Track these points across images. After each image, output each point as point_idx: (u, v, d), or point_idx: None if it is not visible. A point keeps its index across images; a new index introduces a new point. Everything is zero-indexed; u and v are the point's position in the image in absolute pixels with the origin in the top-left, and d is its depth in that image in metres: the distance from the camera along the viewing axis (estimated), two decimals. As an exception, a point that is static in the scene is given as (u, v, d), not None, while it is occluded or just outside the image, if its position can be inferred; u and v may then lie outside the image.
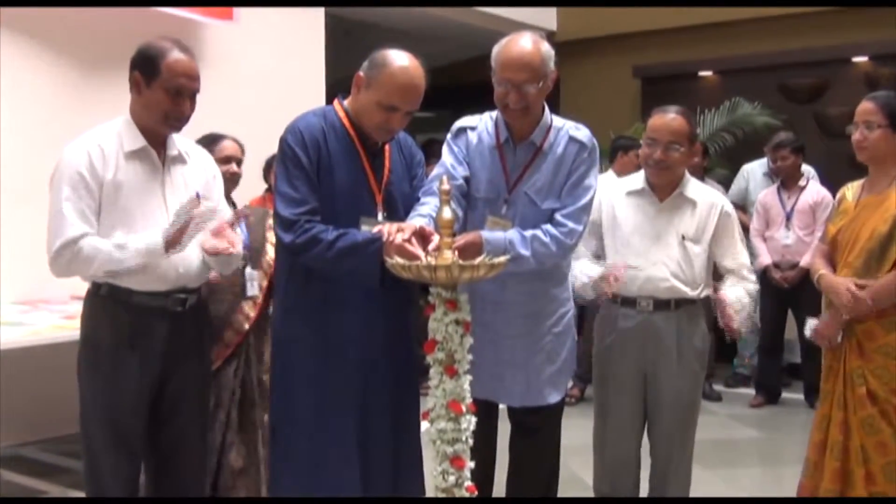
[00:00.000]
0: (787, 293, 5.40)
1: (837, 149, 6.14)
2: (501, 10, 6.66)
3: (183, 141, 2.67)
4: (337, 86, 3.94)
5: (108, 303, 2.51)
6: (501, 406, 2.90)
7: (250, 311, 3.29)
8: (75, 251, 2.41)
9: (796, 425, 5.07)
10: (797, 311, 5.50)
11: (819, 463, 2.92)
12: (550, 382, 2.84)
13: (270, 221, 2.94)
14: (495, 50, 2.70)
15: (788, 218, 5.45)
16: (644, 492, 3.07)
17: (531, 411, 2.84)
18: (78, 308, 2.64)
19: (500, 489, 2.96)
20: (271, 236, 3.07)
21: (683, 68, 7.04)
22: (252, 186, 3.84)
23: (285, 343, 2.59)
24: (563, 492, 3.06)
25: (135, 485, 2.61)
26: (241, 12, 4.86)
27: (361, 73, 2.52)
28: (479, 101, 2.95)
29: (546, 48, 2.69)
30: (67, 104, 4.21)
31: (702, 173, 5.46)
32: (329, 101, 2.69)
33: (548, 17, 7.36)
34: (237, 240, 2.56)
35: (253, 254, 3.23)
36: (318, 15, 5.53)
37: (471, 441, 2.32)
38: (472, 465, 2.33)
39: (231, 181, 3.43)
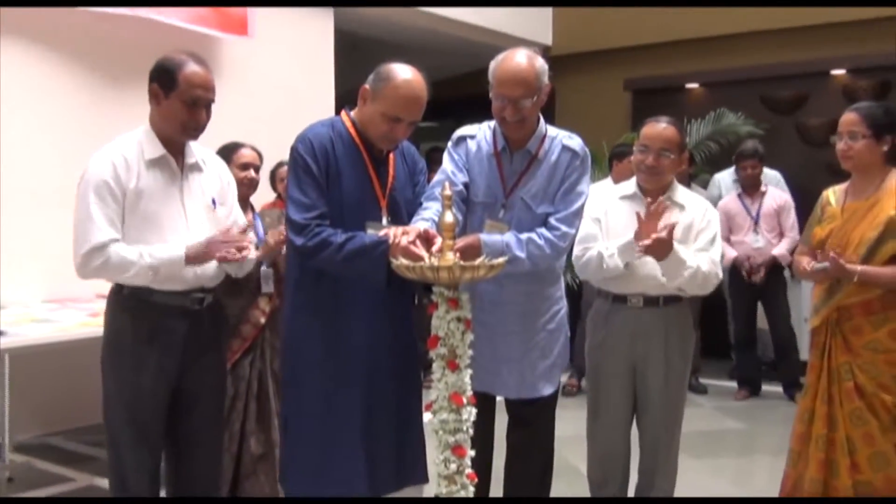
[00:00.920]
0: (756, 288, 5.46)
1: (816, 156, 6.17)
2: (500, 27, 6.67)
3: (200, 149, 2.67)
4: (345, 97, 3.95)
5: (130, 302, 2.52)
6: (499, 398, 2.91)
7: (266, 306, 3.33)
8: (105, 257, 2.41)
9: (777, 417, 5.08)
10: (767, 304, 5.53)
11: (803, 453, 2.92)
12: (544, 376, 2.84)
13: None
14: (492, 66, 2.69)
15: (756, 222, 5.48)
16: (634, 480, 3.07)
17: (526, 403, 2.85)
18: (102, 306, 2.64)
19: (498, 476, 2.96)
20: None
21: (672, 81, 7.04)
22: (267, 190, 3.86)
23: (295, 339, 2.59)
24: (558, 479, 3.07)
25: (156, 476, 2.61)
26: (256, 28, 4.88)
27: (367, 86, 2.52)
28: (479, 111, 2.95)
29: (540, 63, 2.68)
30: (95, 113, 4.25)
31: (688, 179, 5.48)
32: (337, 112, 2.69)
33: (544, 32, 7.37)
34: (249, 246, 2.56)
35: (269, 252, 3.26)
36: (327, 30, 5.55)
37: (471, 431, 2.32)
38: (472, 453, 2.33)
39: (249, 186, 3.44)
